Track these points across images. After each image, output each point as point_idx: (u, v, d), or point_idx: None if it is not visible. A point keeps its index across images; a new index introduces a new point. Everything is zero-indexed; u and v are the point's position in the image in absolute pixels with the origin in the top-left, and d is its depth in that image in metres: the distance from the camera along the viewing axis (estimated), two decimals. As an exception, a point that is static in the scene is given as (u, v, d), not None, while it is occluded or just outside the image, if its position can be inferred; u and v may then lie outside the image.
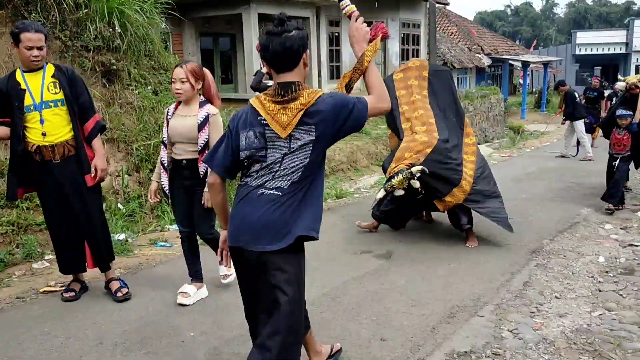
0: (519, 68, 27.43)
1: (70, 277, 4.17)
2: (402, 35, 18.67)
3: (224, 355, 3.15)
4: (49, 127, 3.66)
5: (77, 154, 3.74)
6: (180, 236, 3.98)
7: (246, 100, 10.97)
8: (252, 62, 11.84)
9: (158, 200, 4.00)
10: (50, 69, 3.73)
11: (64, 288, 4.14)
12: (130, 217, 6.02)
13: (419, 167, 4.77)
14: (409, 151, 4.97)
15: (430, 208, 5.56)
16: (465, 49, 23.74)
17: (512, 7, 73.92)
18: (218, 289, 4.15)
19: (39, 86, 3.66)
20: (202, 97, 3.79)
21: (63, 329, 3.52)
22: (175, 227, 6.19)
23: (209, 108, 3.72)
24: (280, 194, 2.26)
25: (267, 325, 2.27)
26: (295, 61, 2.28)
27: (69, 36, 6.28)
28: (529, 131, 18.19)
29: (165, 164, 3.81)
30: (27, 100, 3.63)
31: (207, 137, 3.64)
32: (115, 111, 6.54)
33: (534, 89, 30.38)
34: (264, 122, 2.29)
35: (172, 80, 3.66)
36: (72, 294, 4.02)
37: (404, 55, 19.00)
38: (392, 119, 5.44)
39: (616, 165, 6.72)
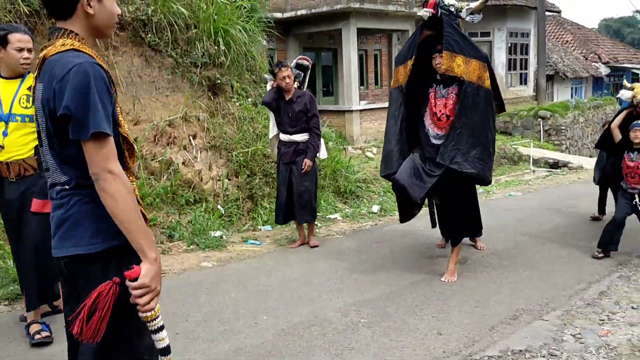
0: (644, 77, 25.46)
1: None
2: (509, 45, 18.23)
3: (289, 336, 3.48)
4: (10, 142, 3.27)
5: (40, 175, 3.22)
6: None
7: (345, 112, 11.48)
8: (350, 75, 12.25)
9: None
10: (29, 79, 3.29)
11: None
12: (228, 218, 6.59)
13: None
14: None
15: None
16: (580, 57, 22.54)
17: (643, 12, 68.09)
18: (288, 282, 4.51)
19: (11, 96, 3.28)
20: None
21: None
22: (267, 227, 6.69)
23: None
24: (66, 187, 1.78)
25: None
26: (68, 6, 1.73)
27: (180, 54, 7.03)
28: (650, 144, 16.92)
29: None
30: None
31: None
32: (218, 121, 7.20)
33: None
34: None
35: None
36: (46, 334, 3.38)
37: (511, 65, 18.52)
38: None
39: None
